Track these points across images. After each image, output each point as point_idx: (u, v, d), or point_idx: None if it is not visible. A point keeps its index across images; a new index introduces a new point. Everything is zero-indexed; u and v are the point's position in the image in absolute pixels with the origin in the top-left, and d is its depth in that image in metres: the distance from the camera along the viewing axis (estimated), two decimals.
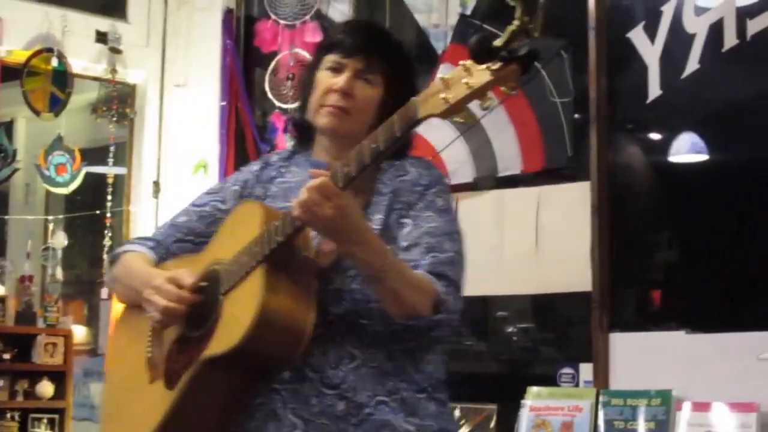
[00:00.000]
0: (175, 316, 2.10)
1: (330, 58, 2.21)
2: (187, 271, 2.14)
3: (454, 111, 1.78)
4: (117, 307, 5.24)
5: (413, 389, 2.09)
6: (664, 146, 4.19)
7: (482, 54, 1.70)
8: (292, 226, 1.96)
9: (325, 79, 2.20)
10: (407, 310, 1.99)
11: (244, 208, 2.19)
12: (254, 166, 2.36)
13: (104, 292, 6.06)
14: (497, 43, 1.69)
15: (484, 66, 1.72)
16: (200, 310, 2.10)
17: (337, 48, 2.21)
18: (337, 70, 2.19)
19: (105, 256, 5.95)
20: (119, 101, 6.00)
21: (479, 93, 1.75)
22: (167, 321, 2.12)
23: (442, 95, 1.78)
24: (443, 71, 4.80)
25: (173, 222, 2.35)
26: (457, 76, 1.77)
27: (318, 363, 2.05)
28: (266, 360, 2.01)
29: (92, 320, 6.78)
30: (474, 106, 1.79)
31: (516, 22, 1.68)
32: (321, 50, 2.27)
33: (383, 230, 2.10)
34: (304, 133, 2.31)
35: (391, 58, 2.22)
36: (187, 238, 2.30)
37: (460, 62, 1.76)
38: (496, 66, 1.71)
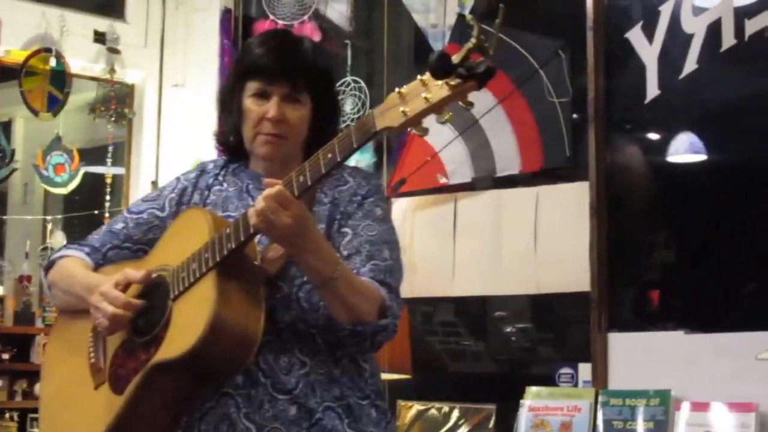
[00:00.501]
0: (123, 323, 2.11)
1: (253, 86, 2.20)
2: (132, 269, 2.14)
3: (410, 124, 1.80)
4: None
5: (358, 396, 2.14)
6: (663, 146, 4.19)
7: (441, 70, 1.74)
8: (247, 233, 1.97)
9: (253, 107, 2.20)
10: (355, 316, 2.03)
11: (190, 215, 2.20)
12: (191, 174, 2.36)
13: None
14: (455, 59, 1.73)
15: (442, 81, 1.75)
16: (147, 315, 2.11)
17: (260, 74, 2.19)
18: (262, 96, 2.19)
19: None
20: (117, 101, 5.99)
21: (437, 107, 1.78)
22: (115, 327, 2.11)
23: (401, 108, 1.80)
24: None
25: (109, 229, 2.34)
26: (415, 90, 1.79)
27: (270, 369, 2.08)
28: (217, 366, 2.02)
29: None
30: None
31: (473, 40, 1.74)
32: (240, 74, 2.25)
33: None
34: (234, 152, 2.33)
35: (314, 73, 2.22)
36: (124, 245, 2.30)
37: (419, 76, 1.79)
38: (454, 82, 1.74)
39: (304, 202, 2.02)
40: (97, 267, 2.28)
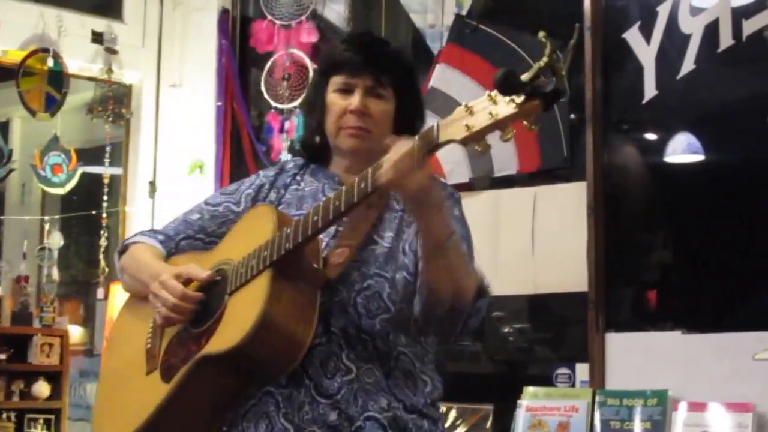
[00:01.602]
0: (182, 314, 2.12)
1: (337, 80, 2.21)
2: (198, 266, 2.16)
3: (473, 139, 1.79)
4: (117, 305, 5.25)
5: (408, 409, 2.10)
6: (660, 146, 4.19)
7: (507, 87, 1.71)
8: (305, 235, 1.98)
9: (337, 101, 2.20)
10: (458, 290, 1.99)
11: (258, 212, 2.20)
12: (270, 171, 2.36)
13: (100, 293, 6.06)
14: (524, 77, 1.71)
15: (508, 98, 1.73)
16: (205, 306, 2.12)
17: (343, 68, 2.20)
18: (346, 90, 2.19)
19: (101, 257, 5.96)
20: (115, 101, 6.00)
21: (501, 124, 1.76)
22: (172, 318, 2.13)
23: (465, 122, 1.79)
24: (439, 71, 4.81)
25: (185, 218, 2.35)
26: (482, 105, 1.78)
27: (315, 371, 2.06)
28: (262, 365, 2.02)
29: (88, 320, 6.78)
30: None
31: (545, 59, 1.70)
32: (325, 71, 2.26)
33: (390, 249, 2.12)
34: (316, 153, 2.31)
35: (397, 69, 2.23)
36: (197, 236, 2.31)
37: (487, 92, 1.78)
38: (520, 99, 1.72)
39: (376, 207, 2.06)
40: (169, 255, 2.30)
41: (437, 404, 2.18)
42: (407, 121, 2.16)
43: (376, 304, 2.07)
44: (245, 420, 2.09)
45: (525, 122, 1.76)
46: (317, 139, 2.28)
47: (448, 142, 1.82)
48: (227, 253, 2.18)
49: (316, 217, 1.98)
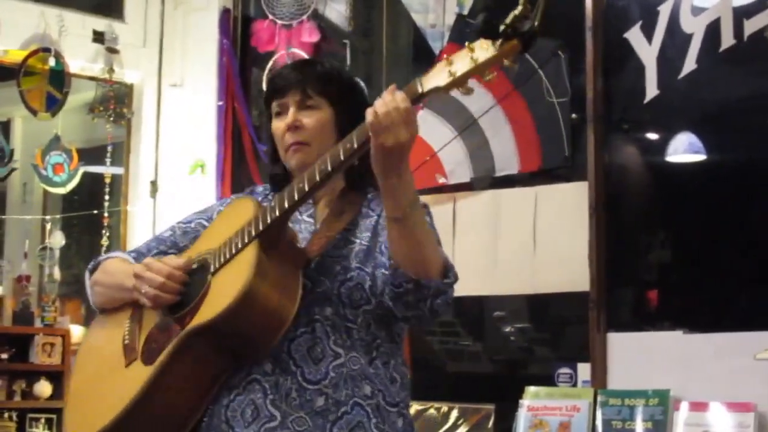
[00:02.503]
0: (171, 292, 2.13)
1: (273, 106, 2.28)
2: (175, 257, 2.20)
3: (457, 84, 1.87)
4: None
5: (387, 402, 2.14)
6: (662, 146, 4.19)
7: (488, 30, 1.83)
8: (291, 201, 2.02)
9: (277, 125, 2.26)
10: (422, 262, 2.00)
11: (239, 203, 2.27)
12: (240, 195, 2.42)
13: None
14: (502, 21, 1.82)
15: (488, 43, 1.84)
16: (187, 293, 2.14)
17: (275, 93, 2.27)
18: (281, 113, 2.26)
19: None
20: (116, 101, 6.00)
21: (482, 67, 1.85)
22: (161, 298, 2.13)
23: (448, 69, 1.87)
24: None
25: (157, 236, 2.40)
26: (462, 54, 1.87)
27: (302, 358, 2.09)
28: (245, 339, 2.05)
29: (89, 320, 6.75)
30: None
31: (520, 8, 1.81)
32: (266, 102, 2.33)
33: (368, 248, 2.16)
34: (278, 181, 2.34)
35: (324, 79, 2.26)
36: (170, 251, 2.33)
37: (466, 44, 1.87)
38: (498, 42, 1.82)
39: (349, 212, 2.14)
40: None
41: (409, 406, 2.22)
42: (353, 126, 2.18)
43: (358, 295, 2.12)
44: (230, 409, 2.10)
45: (506, 61, 1.85)
46: (278, 168, 2.32)
47: (433, 90, 1.89)
48: (208, 244, 2.21)
49: (301, 184, 2.03)
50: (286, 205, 2.03)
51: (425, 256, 2.01)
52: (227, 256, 2.09)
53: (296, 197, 2.03)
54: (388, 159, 1.93)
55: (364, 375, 2.12)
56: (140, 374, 2.10)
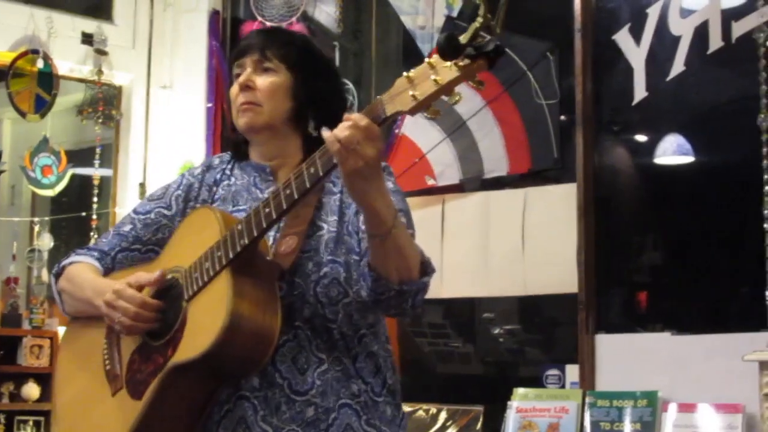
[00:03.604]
0: (145, 322, 2.08)
1: (234, 69, 2.24)
2: (145, 273, 2.12)
3: (421, 107, 1.78)
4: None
5: (375, 393, 2.12)
6: (650, 148, 4.20)
7: (450, 51, 1.72)
8: (259, 228, 1.95)
9: (233, 88, 2.22)
10: (406, 270, 1.97)
11: (198, 214, 2.17)
12: (196, 170, 2.34)
13: None
14: (462, 39, 1.72)
15: (450, 63, 1.74)
16: (162, 318, 2.09)
17: (236, 55, 2.24)
18: (240, 75, 2.21)
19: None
20: (105, 103, 5.99)
21: (446, 89, 1.76)
22: (136, 327, 2.08)
23: (410, 92, 1.77)
24: None
25: (118, 231, 2.30)
26: (424, 74, 1.77)
27: (287, 369, 2.05)
28: (236, 364, 2.00)
29: None
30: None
31: (480, 20, 1.72)
32: (229, 68, 2.29)
33: (337, 233, 2.11)
34: (238, 149, 2.31)
35: (286, 44, 2.23)
36: (133, 246, 2.27)
37: (426, 59, 1.78)
38: (463, 62, 1.73)
39: (314, 192, 2.02)
40: (106, 272, 2.26)
41: (399, 394, 2.19)
42: (307, 91, 2.14)
43: (335, 290, 2.07)
44: (221, 427, 2.07)
45: (471, 82, 1.76)
46: (236, 134, 2.27)
47: (396, 114, 1.81)
48: (174, 260, 2.14)
49: (268, 209, 1.95)
50: (255, 233, 1.96)
51: (408, 261, 1.97)
52: (200, 283, 2.03)
53: (264, 224, 1.95)
54: (364, 181, 1.86)
55: (348, 374, 2.09)
56: (130, 408, 2.07)
